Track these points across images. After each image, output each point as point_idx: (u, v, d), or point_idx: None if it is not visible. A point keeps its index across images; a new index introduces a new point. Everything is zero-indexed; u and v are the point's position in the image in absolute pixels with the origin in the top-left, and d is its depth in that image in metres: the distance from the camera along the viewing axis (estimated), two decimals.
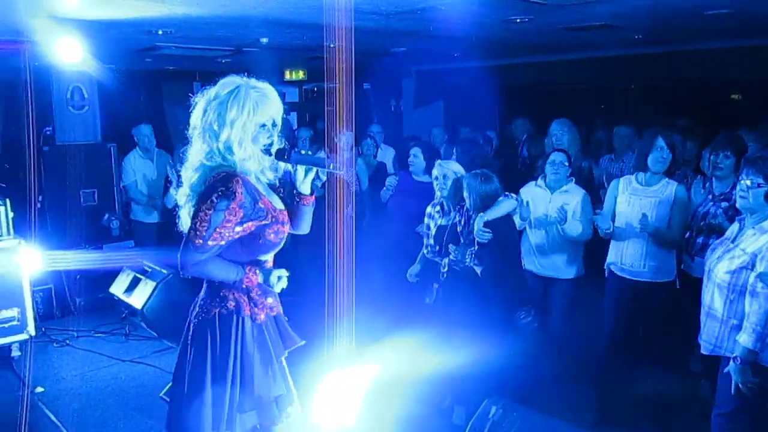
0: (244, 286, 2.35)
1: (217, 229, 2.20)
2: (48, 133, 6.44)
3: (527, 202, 4.31)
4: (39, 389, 4.44)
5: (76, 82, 6.46)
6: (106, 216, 6.46)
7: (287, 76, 9.75)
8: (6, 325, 4.70)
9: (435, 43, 6.53)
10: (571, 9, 4.57)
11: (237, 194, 2.20)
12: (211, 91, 2.31)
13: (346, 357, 3.30)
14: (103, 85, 6.75)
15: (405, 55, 7.85)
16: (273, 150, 2.35)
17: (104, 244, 6.26)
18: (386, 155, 6.81)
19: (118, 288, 5.62)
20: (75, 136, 6.47)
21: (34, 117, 6.08)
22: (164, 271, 5.40)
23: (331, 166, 2.45)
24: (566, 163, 4.42)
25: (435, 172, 4.16)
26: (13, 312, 4.73)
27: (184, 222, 2.37)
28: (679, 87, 7.71)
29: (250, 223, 2.28)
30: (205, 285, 2.41)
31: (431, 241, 4.24)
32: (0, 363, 4.82)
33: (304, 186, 2.49)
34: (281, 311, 2.52)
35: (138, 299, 5.33)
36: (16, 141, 7.48)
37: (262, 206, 2.31)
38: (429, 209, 4.34)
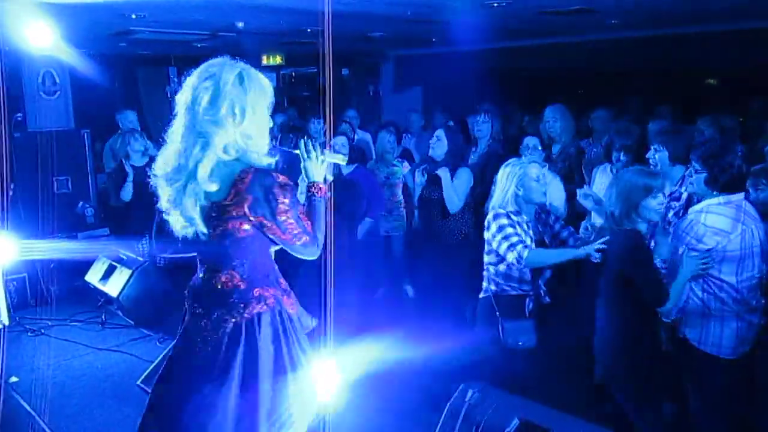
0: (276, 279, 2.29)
1: (301, 216, 2.20)
2: (19, 119, 6.33)
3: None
4: (13, 379, 4.38)
5: (47, 67, 6.36)
6: (81, 203, 6.39)
7: (264, 61, 9.65)
8: None
9: (413, 27, 6.51)
10: None
11: (289, 183, 2.15)
12: (211, 75, 2.12)
13: (323, 348, 3.30)
14: (75, 71, 6.64)
15: (383, 39, 7.81)
16: None
17: (79, 232, 6.19)
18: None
19: (93, 276, 5.56)
20: (47, 122, 6.38)
21: (4, 103, 5.97)
22: (140, 258, 5.35)
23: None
24: (539, 147, 4.46)
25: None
26: None
27: (180, 227, 2.21)
28: (656, 72, 7.78)
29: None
30: (222, 294, 2.23)
31: None
32: None
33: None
34: None
35: (114, 287, 5.28)
36: None
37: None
38: None
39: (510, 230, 3.39)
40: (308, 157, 2.34)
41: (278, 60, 9.65)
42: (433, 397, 3.84)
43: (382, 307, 5.08)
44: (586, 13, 5.54)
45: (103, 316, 5.38)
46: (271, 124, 2.26)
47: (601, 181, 4.20)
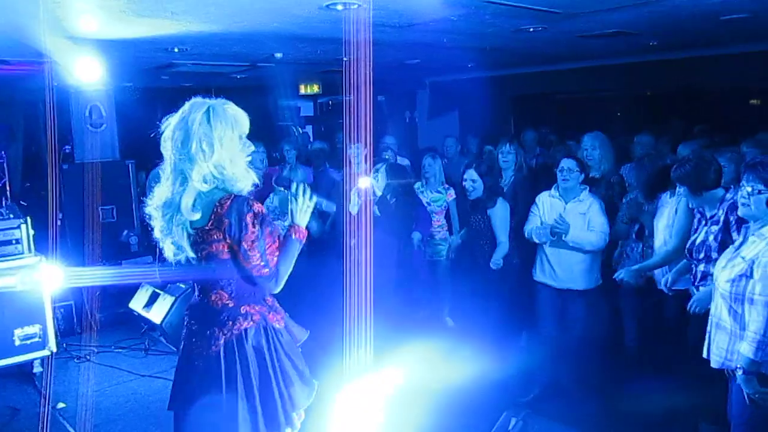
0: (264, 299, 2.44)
1: (267, 251, 2.31)
2: (67, 151, 6.53)
3: (542, 214, 4.40)
4: (60, 405, 4.47)
5: (94, 100, 6.54)
6: (125, 232, 6.51)
7: (302, 90, 9.82)
8: (28, 342, 4.74)
9: (448, 54, 6.54)
10: (584, 17, 4.56)
11: (263, 212, 2.30)
12: (183, 116, 2.32)
13: (365, 366, 3.30)
14: (120, 103, 6.84)
15: (419, 66, 7.86)
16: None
17: (123, 260, 6.32)
18: None
19: (137, 303, 5.66)
20: (94, 153, 6.55)
21: (54, 136, 6.18)
22: (182, 285, 5.43)
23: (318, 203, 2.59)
24: (576, 170, 4.38)
25: None
26: (34, 329, 4.77)
27: (172, 254, 2.39)
28: (696, 93, 7.65)
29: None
30: (213, 312, 2.40)
31: None
32: (22, 379, 4.87)
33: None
34: None
35: (157, 314, 5.37)
36: (36, 160, 7.60)
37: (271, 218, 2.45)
38: None
39: None
40: (296, 201, 2.51)
41: (315, 89, 9.81)
42: (474, 421, 3.81)
43: (422, 329, 5.07)
44: (624, 36, 5.50)
45: (146, 343, 5.47)
46: (252, 149, 2.41)
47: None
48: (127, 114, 7.09)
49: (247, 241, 2.26)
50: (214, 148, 2.28)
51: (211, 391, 2.36)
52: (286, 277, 2.40)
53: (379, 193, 4.89)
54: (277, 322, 2.47)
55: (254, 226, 2.26)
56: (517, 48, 6.19)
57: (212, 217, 2.27)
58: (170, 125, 2.34)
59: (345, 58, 5.79)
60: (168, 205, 2.33)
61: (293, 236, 2.46)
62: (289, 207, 2.52)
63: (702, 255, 3.48)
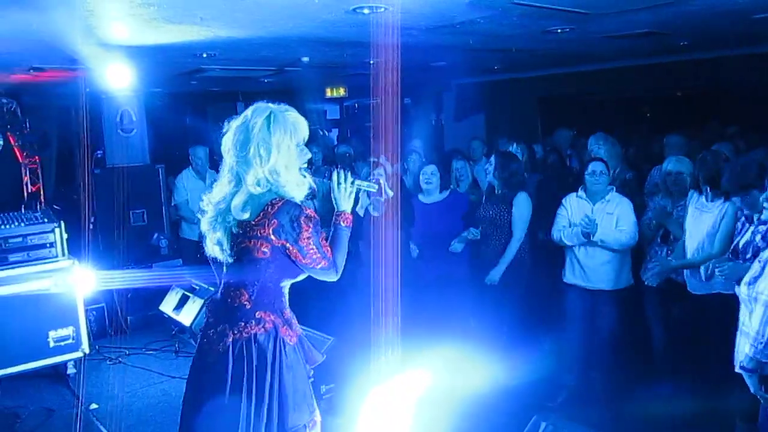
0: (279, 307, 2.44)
1: (322, 243, 2.40)
2: (99, 155, 6.66)
3: (570, 216, 4.35)
4: (93, 406, 4.54)
5: (125, 106, 6.67)
6: (156, 235, 6.61)
7: (328, 93, 9.87)
8: (62, 344, 4.84)
9: (475, 56, 6.52)
10: (613, 17, 4.51)
11: (315, 217, 2.35)
12: (245, 120, 2.37)
13: (392, 367, 3.31)
14: (150, 109, 6.94)
15: (445, 69, 7.85)
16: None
17: (153, 263, 6.40)
18: None
19: (167, 306, 5.73)
20: (124, 158, 6.67)
21: (86, 141, 6.30)
22: (211, 288, 5.48)
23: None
24: (605, 172, 4.41)
25: None
26: (68, 330, 4.86)
27: (212, 249, 2.44)
28: (727, 93, 7.52)
29: None
30: (230, 309, 2.42)
31: None
32: (56, 380, 4.96)
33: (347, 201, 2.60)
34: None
35: (187, 317, 5.42)
36: (69, 165, 7.75)
37: None
38: None
39: None
40: (338, 187, 2.56)
41: (341, 92, 9.85)
42: (503, 424, 3.78)
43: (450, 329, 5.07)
44: (654, 36, 5.43)
45: (176, 345, 5.53)
46: (309, 156, 2.46)
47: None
48: (156, 119, 7.20)
49: (303, 239, 2.33)
50: (271, 154, 2.32)
51: (212, 388, 2.39)
52: (342, 265, 2.49)
53: (391, 193, 4.89)
54: (289, 337, 2.45)
55: (308, 226, 2.33)
56: (544, 49, 6.14)
57: (260, 214, 2.33)
58: (232, 128, 2.40)
59: (371, 61, 5.81)
60: (219, 204, 2.41)
61: (342, 224, 2.54)
62: (332, 196, 2.58)
63: (749, 255, 3.40)
